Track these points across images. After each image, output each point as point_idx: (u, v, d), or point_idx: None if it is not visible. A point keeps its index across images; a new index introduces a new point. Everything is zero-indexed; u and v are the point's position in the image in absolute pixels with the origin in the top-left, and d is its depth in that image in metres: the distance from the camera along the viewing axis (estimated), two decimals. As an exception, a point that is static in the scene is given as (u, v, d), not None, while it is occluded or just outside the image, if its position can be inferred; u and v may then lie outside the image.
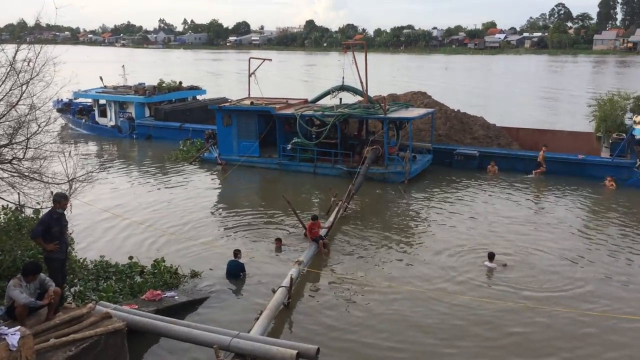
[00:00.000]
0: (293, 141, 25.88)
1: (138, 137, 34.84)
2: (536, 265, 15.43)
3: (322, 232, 16.86)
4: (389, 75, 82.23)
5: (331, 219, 18.09)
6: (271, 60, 31.80)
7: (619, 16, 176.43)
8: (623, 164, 23.87)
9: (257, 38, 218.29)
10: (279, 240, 16.90)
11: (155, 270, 14.05)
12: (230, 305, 13.38)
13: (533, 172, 24.94)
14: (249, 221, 19.24)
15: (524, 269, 15.20)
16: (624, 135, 24.72)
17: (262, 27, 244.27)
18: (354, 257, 16.08)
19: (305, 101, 29.26)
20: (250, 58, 30.27)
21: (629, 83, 61.37)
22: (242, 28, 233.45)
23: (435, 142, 27.45)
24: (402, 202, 21.62)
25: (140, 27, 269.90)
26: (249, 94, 29.28)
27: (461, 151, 26.57)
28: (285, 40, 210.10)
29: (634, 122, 24.41)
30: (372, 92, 28.25)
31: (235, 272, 14.69)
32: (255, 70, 29.05)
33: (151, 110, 36.08)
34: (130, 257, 14.77)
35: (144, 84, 38.98)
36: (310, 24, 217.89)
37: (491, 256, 15.29)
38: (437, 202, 21.65)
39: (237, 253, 15.14)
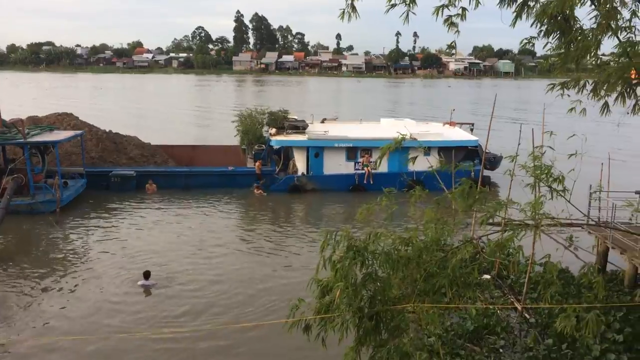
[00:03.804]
0: None
1: None
2: (193, 280, 16.08)
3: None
4: (30, 96, 74.30)
5: (-35, 266, 15.27)
6: None
7: (252, 40, 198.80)
8: (266, 172, 26.89)
9: None
10: None
11: None
12: None
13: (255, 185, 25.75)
14: None
15: (180, 284, 15.68)
16: (264, 146, 27.90)
17: None
18: (-1, 307, 13.90)
19: None
20: None
21: (264, 100, 69.60)
22: None
23: (88, 165, 25.99)
24: (56, 234, 19.76)
25: None
26: None
27: (117, 172, 25.77)
28: None
29: (270, 134, 27.82)
30: (7, 115, 25.00)
31: None
32: None
33: None
34: None
35: None
36: None
37: (147, 275, 15.33)
38: (95, 228, 20.52)
39: None
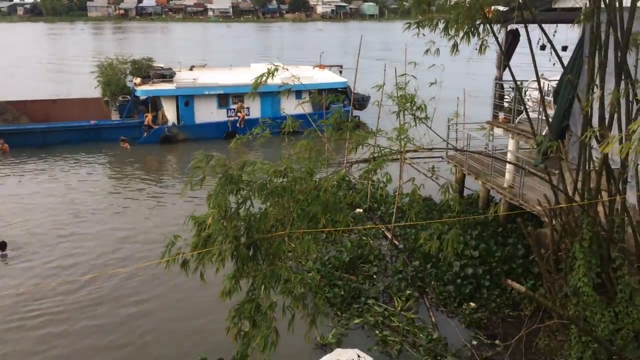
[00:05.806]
0: None
1: None
2: (56, 243, 15.20)
3: None
4: None
5: None
6: None
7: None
8: (132, 124, 25.60)
9: None
10: None
11: None
12: None
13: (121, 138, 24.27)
14: None
15: (43, 249, 14.83)
16: (129, 97, 26.41)
17: None
18: None
19: None
20: None
21: (126, 48, 65.23)
22: None
23: None
24: None
25: None
26: None
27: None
28: None
29: (135, 84, 26.34)
30: None
31: None
32: None
33: None
34: None
35: None
36: None
37: (2, 246, 14.27)
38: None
39: None
